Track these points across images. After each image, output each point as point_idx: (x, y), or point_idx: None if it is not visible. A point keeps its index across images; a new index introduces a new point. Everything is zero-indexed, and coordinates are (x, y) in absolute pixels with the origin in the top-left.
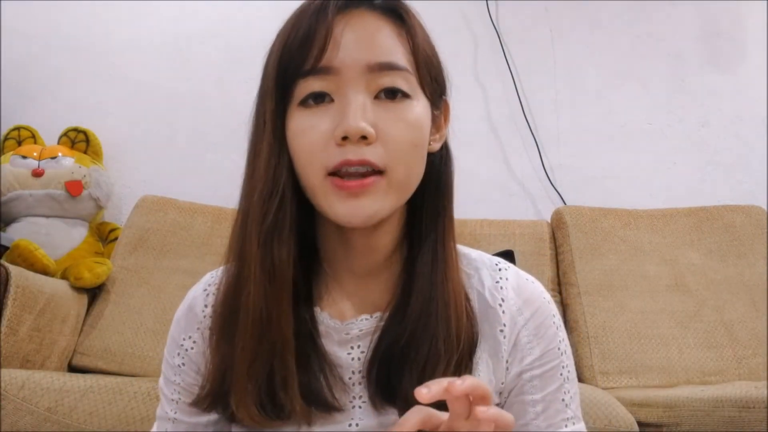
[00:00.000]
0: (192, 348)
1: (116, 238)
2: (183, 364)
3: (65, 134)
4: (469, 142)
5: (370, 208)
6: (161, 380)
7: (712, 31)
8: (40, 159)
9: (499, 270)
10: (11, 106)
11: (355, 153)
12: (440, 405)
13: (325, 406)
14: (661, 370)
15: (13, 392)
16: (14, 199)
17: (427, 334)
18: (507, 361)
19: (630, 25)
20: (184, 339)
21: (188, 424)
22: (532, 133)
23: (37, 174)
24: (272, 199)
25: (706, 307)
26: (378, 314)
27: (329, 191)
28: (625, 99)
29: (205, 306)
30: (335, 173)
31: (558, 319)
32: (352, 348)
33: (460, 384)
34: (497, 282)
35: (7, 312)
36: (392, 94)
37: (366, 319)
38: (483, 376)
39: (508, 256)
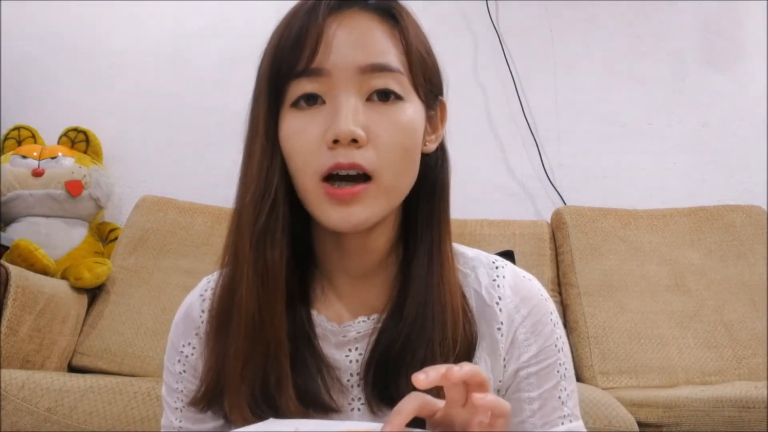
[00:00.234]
0: (192, 354)
1: (116, 238)
2: (184, 371)
3: (65, 134)
4: (469, 142)
5: (361, 215)
6: (163, 389)
7: (712, 31)
8: (40, 159)
9: (496, 268)
10: (11, 106)
11: (346, 156)
12: (437, 392)
13: (322, 407)
14: (661, 370)
15: (13, 392)
16: (14, 199)
17: (423, 337)
18: (504, 359)
19: (630, 25)
20: (183, 346)
21: None
22: (532, 133)
23: (37, 174)
24: (264, 201)
25: (705, 308)
26: (375, 316)
27: (321, 198)
28: (625, 99)
29: (202, 311)
30: (327, 178)
31: (555, 317)
32: (349, 350)
33: (458, 370)
34: (494, 280)
35: (7, 312)
36: (384, 96)
37: (363, 322)
38: None
39: (508, 256)
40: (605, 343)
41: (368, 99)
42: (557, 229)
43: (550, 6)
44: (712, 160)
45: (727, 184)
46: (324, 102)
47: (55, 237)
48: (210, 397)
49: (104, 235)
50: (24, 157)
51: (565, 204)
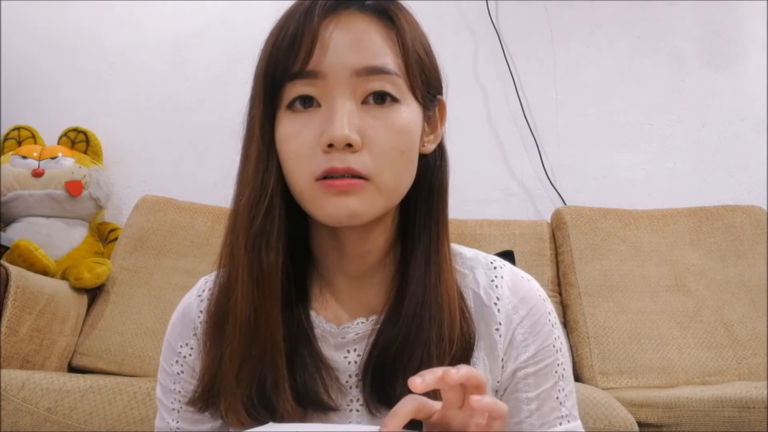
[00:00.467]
0: (190, 355)
1: (116, 238)
2: (182, 372)
3: (65, 134)
4: (469, 142)
5: (357, 207)
6: (158, 390)
7: (712, 31)
8: (40, 159)
9: (495, 268)
10: (11, 106)
11: (340, 161)
12: (434, 394)
13: (321, 406)
14: (660, 371)
15: (13, 392)
16: (14, 199)
17: (420, 337)
18: (502, 360)
19: (630, 25)
20: (181, 346)
21: None
22: (532, 133)
23: (37, 174)
24: (260, 204)
25: (705, 308)
26: (374, 317)
27: (317, 193)
28: (625, 99)
29: (200, 312)
30: (322, 178)
31: (554, 317)
32: (348, 351)
33: (455, 373)
34: (492, 280)
35: (7, 312)
36: (380, 98)
37: (362, 323)
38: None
39: (508, 256)
40: (605, 343)
41: (364, 102)
42: (557, 229)
43: (550, 6)
44: (712, 160)
45: (727, 184)
46: (319, 105)
47: (55, 237)
48: (206, 398)
49: (104, 236)
50: (24, 157)
51: (565, 204)
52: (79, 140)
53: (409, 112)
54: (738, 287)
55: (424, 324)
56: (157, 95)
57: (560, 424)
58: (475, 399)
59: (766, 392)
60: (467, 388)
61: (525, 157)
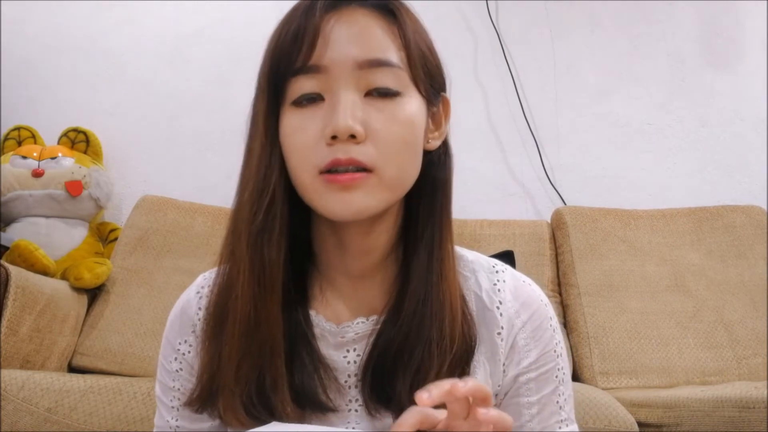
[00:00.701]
0: (189, 352)
1: (116, 238)
2: (180, 369)
3: (65, 134)
4: (469, 142)
5: (361, 202)
6: (157, 388)
7: (712, 31)
8: (40, 159)
9: (497, 272)
10: (11, 106)
11: (344, 152)
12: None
13: (319, 407)
14: (661, 371)
15: (13, 393)
16: (14, 199)
17: (420, 337)
18: (504, 364)
19: (630, 25)
20: (180, 343)
21: None
22: (532, 133)
23: (37, 174)
24: (262, 199)
25: (705, 308)
26: (374, 317)
27: (321, 187)
28: (625, 99)
29: (199, 309)
30: (326, 171)
31: (555, 322)
32: (347, 351)
33: (463, 386)
34: (495, 284)
35: (7, 312)
36: (383, 91)
37: (362, 322)
38: (480, 378)
39: (507, 256)
40: (605, 343)
41: (367, 94)
42: (557, 229)
43: (550, 6)
44: (712, 160)
45: (727, 184)
46: (323, 100)
47: (55, 237)
48: (205, 399)
49: (104, 236)
50: (24, 157)
51: (565, 204)
52: (79, 140)
53: (412, 105)
54: (738, 287)
55: (425, 321)
56: (157, 95)
57: (560, 428)
58: (481, 412)
59: (766, 392)
60: (473, 400)
61: (525, 157)
